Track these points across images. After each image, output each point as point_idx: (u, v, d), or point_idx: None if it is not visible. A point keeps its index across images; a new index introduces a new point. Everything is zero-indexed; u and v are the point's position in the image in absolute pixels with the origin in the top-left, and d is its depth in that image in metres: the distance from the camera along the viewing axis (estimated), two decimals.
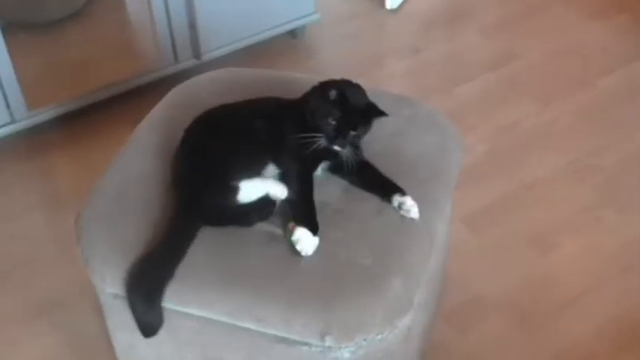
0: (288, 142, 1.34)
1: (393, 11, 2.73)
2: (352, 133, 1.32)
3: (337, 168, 1.38)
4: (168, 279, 1.26)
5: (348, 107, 1.31)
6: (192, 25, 2.27)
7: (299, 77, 1.66)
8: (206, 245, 1.29)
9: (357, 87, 1.38)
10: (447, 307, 1.73)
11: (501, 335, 1.71)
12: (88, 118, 2.26)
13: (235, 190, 1.28)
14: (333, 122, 1.31)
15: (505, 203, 2.01)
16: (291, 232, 1.28)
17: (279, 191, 1.31)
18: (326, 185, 1.37)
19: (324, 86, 1.35)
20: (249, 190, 1.29)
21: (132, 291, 1.28)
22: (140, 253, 1.30)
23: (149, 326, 1.30)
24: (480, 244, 1.91)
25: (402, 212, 1.35)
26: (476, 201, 2.01)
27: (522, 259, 1.87)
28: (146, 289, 1.28)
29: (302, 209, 1.31)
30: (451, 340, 1.69)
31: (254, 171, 1.32)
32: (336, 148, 1.33)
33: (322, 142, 1.32)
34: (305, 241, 1.27)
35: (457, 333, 1.71)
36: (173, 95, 1.65)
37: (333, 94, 1.31)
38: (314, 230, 1.28)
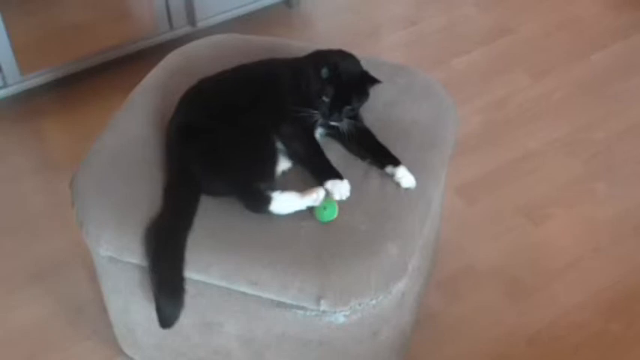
0: (286, 113, 1.33)
1: None
2: (347, 107, 1.32)
3: (335, 134, 1.39)
4: (183, 260, 1.26)
5: (341, 82, 1.31)
6: None
7: (296, 45, 1.65)
8: (203, 210, 1.30)
9: (349, 57, 1.38)
10: (439, 276, 1.75)
11: (492, 304, 1.73)
12: (82, 83, 2.24)
13: (268, 200, 1.26)
14: (327, 100, 1.31)
15: (498, 174, 2.02)
16: (317, 198, 1.26)
17: (314, 200, 1.27)
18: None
19: (317, 60, 1.33)
20: (282, 204, 1.27)
21: (159, 286, 1.27)
22: (135, 215, 1.30)
23: (169, 317, 1.29)
24: (473, 214, 1.93)
25: (395, 182, 1.35)
26: (470, 171, 2.02)
27: (514, 229, 1.89)
28: (171, 282, 1.27)
29: (319, 166, 1.32)
30: (443, 307, 1.71)
31: (270, 175, 1.30)
32: (333, 123, 1.34)
33: (319, 117, 1.32)
34: (337, 187, 1.28)
35: (449, 301, 1.73)
36: (169, 60, 1.64)
37: (325, 71, 1.30)
38: (339, 177, 1.30)
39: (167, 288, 1.27)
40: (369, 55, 1.46)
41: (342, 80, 1.31)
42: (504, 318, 1.70)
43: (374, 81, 1.34)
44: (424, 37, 2.50)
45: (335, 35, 2.49)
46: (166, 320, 1.28)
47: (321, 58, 1.35)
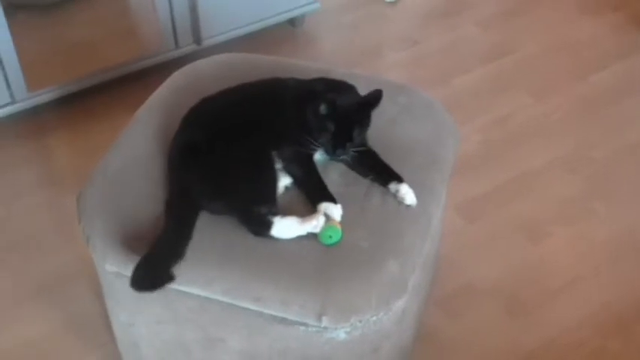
0: (287, 135, 1.36)
1: (392, 3, 2.75)
2: (349, 143, 1.34)
3: None
4: (176, 261, 1.27)
5: (341, 117, 1.32)
6: (194, 10, 2.28)
7: (300, 64, 1.68)
8: (205, 225, 1.32)
9: (346, 88, 1.40)
10: (439, 293, 1.77)
11: (491, 321, 1.75)
12: (88, 100, 2.27)
13: (269, 225, 1.28)
14: (329, 137, 1.33)
15: (498, 193, 2.05)
16: (317, 225, 1.28)
17: (314, 227, 1.29)
18: (324, 170, 1.40)
19: (315, 96, 1.33)
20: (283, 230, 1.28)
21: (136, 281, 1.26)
22: (140, 232, 1.32)
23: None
24: (473, 232, 1.95)
25: (398, 199, 1.38)
26: (470, 190, 2.04)
27: (514, 247, 1.91)
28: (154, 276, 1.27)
29: (314, 189, 1.35)
30: (442, 325, 1.73)
31: (271, 198, 1.31)
32: (339, 158, 1.36)
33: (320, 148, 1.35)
34: (330, 210, 1.30)
35: (448, 318, 1.75)
36: (174, 79, 1.67)
37: (323, 108, 1.32)
38: (333, 200, 1.32)
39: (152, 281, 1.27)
40: (370, 74, 1.49)
41: (342, 114, 1.32)
42: (503, 336, 1.72)
43: (374, 105, 1.35)
44: (426, 56, 2.53)
45: (338, 54, 2.53)
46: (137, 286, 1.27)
47: (319, 93, 1.34)
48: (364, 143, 1.40)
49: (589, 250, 1.92)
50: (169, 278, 1.25)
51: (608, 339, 1.71)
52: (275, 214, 1.29)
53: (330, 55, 2.54)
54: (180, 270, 1.28)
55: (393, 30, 2.68)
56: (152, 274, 1.26)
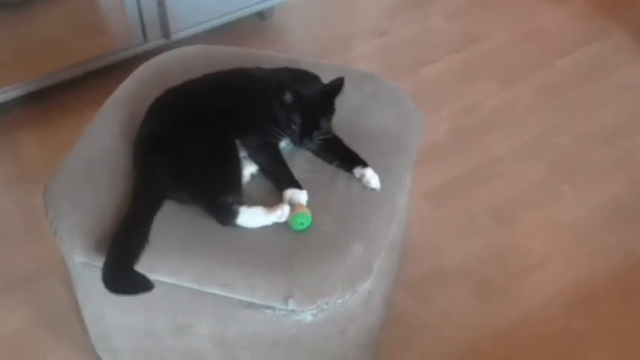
0: (252, 125, 1.37)
1: None
2: (316, 131, 1.36)
3: None
4: (142, 246, 1.28)
5: (306, 107, 1.34)
6: (161, 4, 2.28)
7: (267, 55, 1.70)
8: (172, 214, 1.33)
9: (310, 77, 1.42)
10: (409, 278, 1.80)
11: (460, 304, 1.78)
12: (57, 96, 2.27)
13: (235, 214, 1.29)
14: (296, 127, 1.35)
15: (467, 179, 2.08)
16: (281, 215, 1.30)
17: (279, 217, 1.30)
18: (290, 157, 1.41)
19: (279, 87, 1.35)
20: (249, 219, 1.30)
21: (107, 269, 1.27)
22: (107, 221, 1.33)
23: (141, 287, 1.28)
24: (443, 218, 1.98)
25: (363, 183, 1.40)
26: (439, 177, 2.08)
27: (483, 231, 1.95)
28: (121, 262, 1.28)
29: (280, 177, 1.36)
30: (412, 308, 1.76)
31: (236, 187, 1.33)
32: (306, 147, 1.38)
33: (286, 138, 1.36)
34: (296, 196, 1.32)
35: (418, 302, 1.78)
36: (142, 71, 1.68)
37: (288, 98, 1.33)
38: (299, 187, 1.34)
39: (118, 282, 1.28)
40: (337, 64, 1.51)
41: (307, 103, 1.34)
42: (472, 317, 1.75)
43: (337, 92, 1.37)
44: (395, 46, 2.56)
45: (308, 45, 2.55)
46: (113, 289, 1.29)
47: (283, 84, 1.36)
48: (330, 131, 1.42)
49: (556, 232, 1.97)
50: (146, 287, 1.26)
51: (573, 318, 1.75)
52: (241, 203, 1.30)
53: (300, 46, 2.55)
54: (148, 258, 1.30)
55: (362, 21, 2.70)
56: (122, 274, 1.27)
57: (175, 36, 2.36)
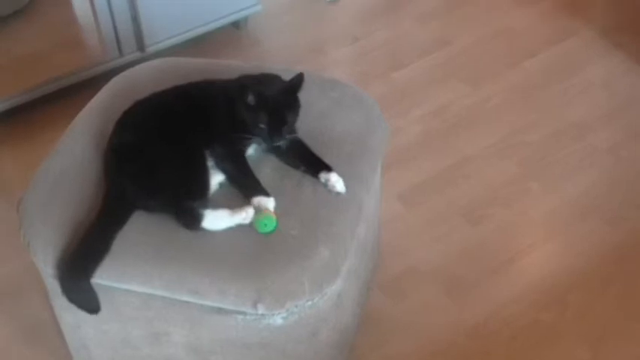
0: (218, 134, 1.41)
1: (333, 2, 2.82)
2: (285, 127, 1.39)
3: (269, 147, 1.45)
4: (101, 256, 1.32)
5: (271, 104, 1.37)
6: (135, 19, 2.32)
7: (235, 65, 1.73)
8: (140, 224, 1.36)
9: (271, 78, 1.45)
10: (382, 278, 1.84)
11: (433, 302, 1.82)
12: (33, 112, 2.29)
13: (200, 217, 1.33)
14: (264, 126, 1.38)
15: (438, 180, 2.12)
16: (246, 217, 1.34)
17: (243, 219, 1.34)
18: (257, 165, 1.45)
19: (241, 91, 1.38)
20: (213, 222, 1.34)
21: (63, 274, 1.34)
22: (78, 234, 1.36)
23: (89, 304, 1.36)
24: (415, 218, 2.02)
25: (329, 187, 1.44)
26: (411, 179, 2.12)
27: (454, 230, 1.99)
28: (77, 269, 1.34)
29: (247, 184, 1.40)
30: (386, 308, 1.80)
31: (202, 193, 1.36)
32: (277, 144, 1.41)
33: (258, 141, 1.40)
34: (264, 203, 1.35)
35: (392, 302, 1.81)
36: (113, 84, 1.71)
37: (251, 99, 1.37)
38: (266, 194, 1.38)
39: (72, 291, 1.36)
40: (306, 70, 1.54)
41: (271, 101, 1.37)
42: (445, 315, 1.79)
43: (298, 87, 1.40)
44: (367, 52, 2.60)
45: (282, 53, 2.59)
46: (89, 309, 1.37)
47: (244, 87, 1.39)
48: (296, 130, 1.45)
49: (526, 228, 2.01)
50: (92, 308, 1.36)
51: (542, 312, 1.79)
52: (206, 207, 1.34)
53: (275, 54, 2.59)
54: (119, 268, 1.33)
55: (334, 28, 2.74)
56: (77, 283, 1.34)
57: (151, 49, 2.39)
